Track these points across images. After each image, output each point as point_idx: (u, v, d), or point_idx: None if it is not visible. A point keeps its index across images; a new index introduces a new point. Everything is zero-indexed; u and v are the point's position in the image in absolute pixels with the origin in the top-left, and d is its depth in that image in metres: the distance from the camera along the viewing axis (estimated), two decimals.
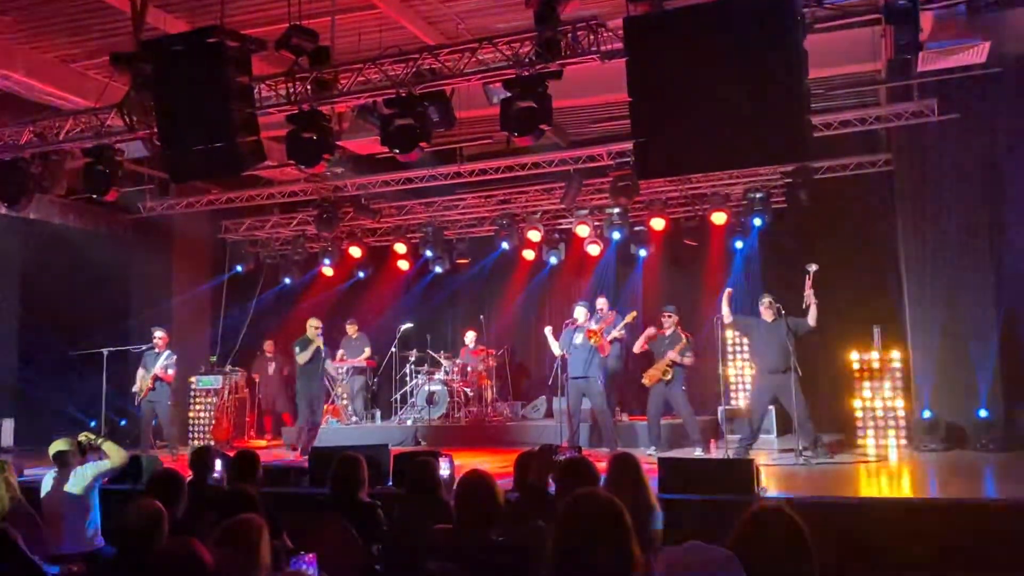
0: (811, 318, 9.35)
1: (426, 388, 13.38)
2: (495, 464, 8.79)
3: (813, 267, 9.48)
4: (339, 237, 14.47)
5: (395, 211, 14.27)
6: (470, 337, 14.03)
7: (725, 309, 9.63)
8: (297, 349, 11.41)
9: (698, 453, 9.89)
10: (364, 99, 8.66)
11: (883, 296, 11.26)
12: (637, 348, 10.91)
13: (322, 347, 11.41)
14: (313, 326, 11.53)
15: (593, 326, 10.53)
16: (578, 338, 10.55)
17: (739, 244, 12.70)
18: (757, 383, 9.83)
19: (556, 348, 10.47)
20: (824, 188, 11.73)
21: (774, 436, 10.77)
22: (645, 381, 10.48)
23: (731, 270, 12.86)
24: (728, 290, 9.85)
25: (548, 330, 10.99)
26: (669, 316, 10.75)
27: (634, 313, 11.20)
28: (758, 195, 12.41)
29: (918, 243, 10.90)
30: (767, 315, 9.56)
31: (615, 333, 11.17)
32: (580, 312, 10.80)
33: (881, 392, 10.91)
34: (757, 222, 12.39)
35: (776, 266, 12.19)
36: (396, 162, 9.14)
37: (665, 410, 10.89)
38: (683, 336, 10.52)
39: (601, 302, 11.54)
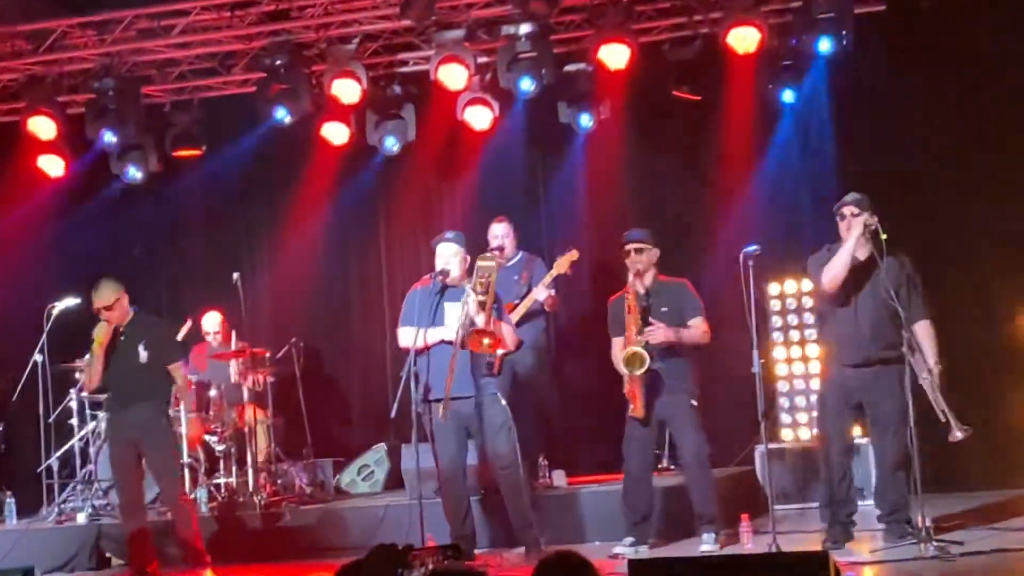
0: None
1: None
2: None
3: None
4: None
5: (25, 44, 8.53)
6: (211, 323, 8.92)
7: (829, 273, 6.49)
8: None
9: (706, 547, 6.71)
10: None
11: None
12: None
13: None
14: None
15: (477, 313, 6.57)
16: (451, 312, 6.78)
17: (788, 96, 8.43)
18: (830, 386, 6.69)
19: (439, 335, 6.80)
20: None
21: (872, 499, 7.34)
22: (634, 412, 6.75)
23: (772, 151, 8.68)
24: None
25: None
26: (639, 251, 6.85)
27: (572, 254, 7.66)
28: None
29: None
30: (855, 243, 6.36)
31: (541, 296, 7.64)
32: (449, 254, 6.81)
33: None
34: (824, 47, 8.02)
35: (865, 142, 8.29)
36: None
37: (660, 456, 7.71)
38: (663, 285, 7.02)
39: (498, 231, 7.81)
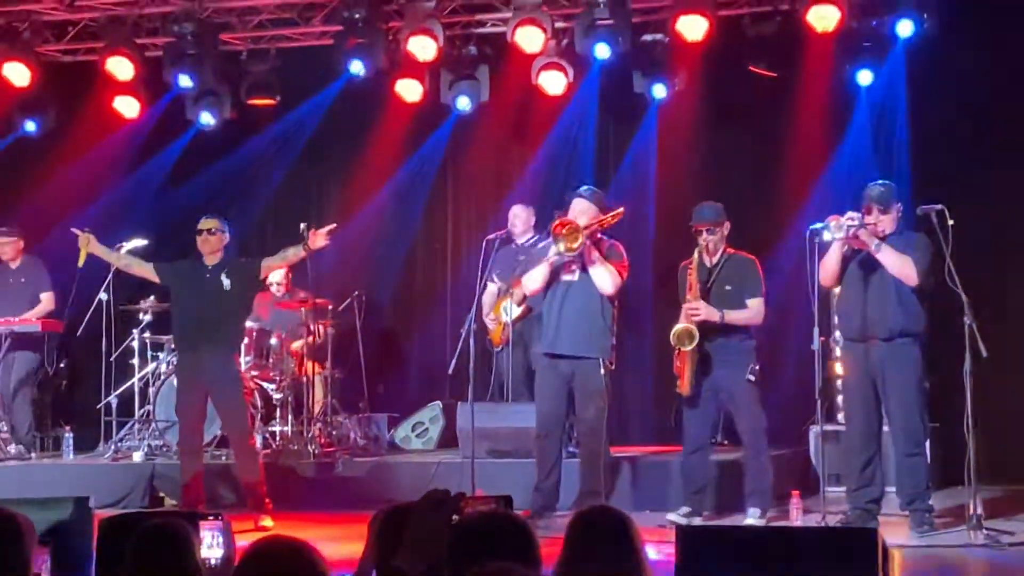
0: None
1: (175, 383, 8.19)
2: (327, 538, 5.85)
3: None
4: None
5: None
6: (275, 273, 8.57)
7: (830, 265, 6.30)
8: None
9: (751, 521, 6.61)
10: None
11: None
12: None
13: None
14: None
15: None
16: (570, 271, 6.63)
17: (865, 76, 8.18)
18: (845, 363, 6.76)
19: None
20: None
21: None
22: (680, 389, 6.59)
23: (845, 133, 8.39)
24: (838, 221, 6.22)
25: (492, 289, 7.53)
26: (711, 231, 6.55)
27: (619, 211, 6.98)
28: None
29: None
30: (882, 221, 6.21)
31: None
32: (578, 211, 6.61)
33: None
34: (904, 29, 7.83)
35: (941, 129, 8.03)
36: None
37: (722, 432, 7.60)
38: (745, 263, 6.71)
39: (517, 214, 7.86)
